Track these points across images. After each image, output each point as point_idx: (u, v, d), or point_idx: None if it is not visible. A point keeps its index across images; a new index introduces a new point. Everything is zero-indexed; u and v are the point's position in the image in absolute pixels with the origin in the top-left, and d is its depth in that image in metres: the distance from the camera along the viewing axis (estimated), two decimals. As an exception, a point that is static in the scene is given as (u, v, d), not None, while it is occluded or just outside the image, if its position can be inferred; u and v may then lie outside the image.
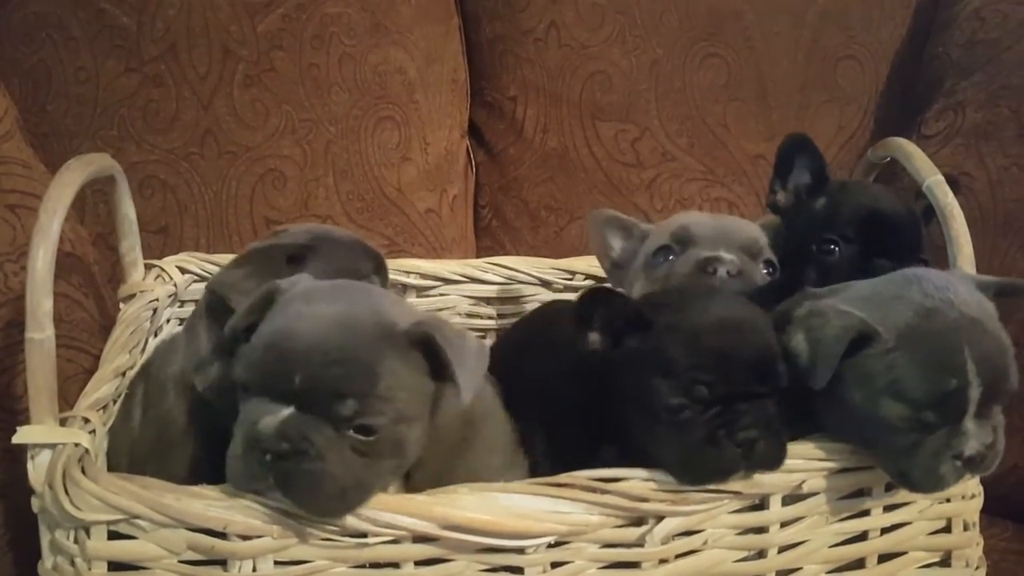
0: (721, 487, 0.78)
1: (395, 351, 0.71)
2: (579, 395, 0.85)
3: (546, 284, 1.19)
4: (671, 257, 0.96)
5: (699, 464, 0.77)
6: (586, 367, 0.83)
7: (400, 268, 1.14)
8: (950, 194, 0.90)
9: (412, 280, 1.15)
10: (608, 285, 1.04)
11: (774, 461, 0.78)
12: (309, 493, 0.69)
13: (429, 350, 0.72)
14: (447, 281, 1.17)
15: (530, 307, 1.18)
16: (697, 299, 0.83)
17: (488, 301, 1.20)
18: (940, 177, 0.91)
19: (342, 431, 0.69)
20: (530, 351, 0.99)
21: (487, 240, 1.50)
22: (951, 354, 0.76)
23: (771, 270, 0.96)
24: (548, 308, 1.14)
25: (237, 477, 0.70)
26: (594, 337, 0.80)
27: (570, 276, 1.20)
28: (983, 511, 0.91)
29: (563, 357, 0.87)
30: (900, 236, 0.92)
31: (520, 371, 0.94)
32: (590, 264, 1.18)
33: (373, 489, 0.72)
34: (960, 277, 0.83)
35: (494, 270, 1.18)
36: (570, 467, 0.78)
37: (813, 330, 0.79)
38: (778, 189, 1.01)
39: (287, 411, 0.68)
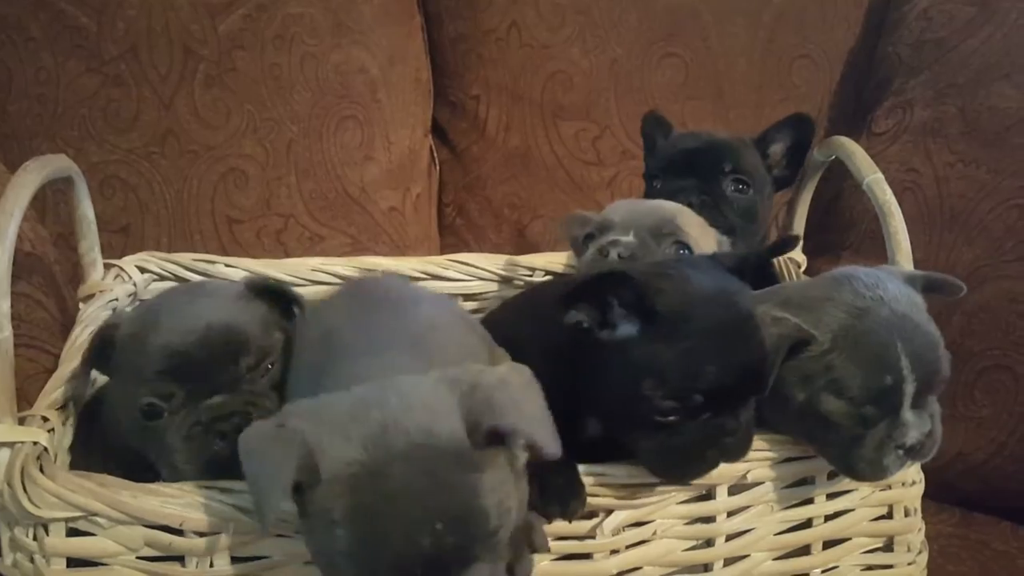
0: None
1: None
2: (563, 369, 0.80)
3: (507, 280, 1.19)
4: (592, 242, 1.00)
5: (679, 466, 0.78)
6: (571, 343, 0.79)
7: (361, 266, 1.13)
8: (889, 192, 0.93)
9: (374, 278, 1.14)
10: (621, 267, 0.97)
11: (742, 453, 0.80)
12: None
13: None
14: (408, 279, 1.15)
15: (492, 304, 1.18)
16: (698, 289, 0.76)
17: (450, 298, 1.20)
18: (879, 175, 0.94)
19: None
20: (517, 326, 0.96)
21: (451, 238, 1.51)
22: (885, 352, 0.79)
23: (684, 251, 0.96)
24: (537, 287, 1.14)
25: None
26: (578, 314, 0.76)
27: (530, 272, 1.20)
28: (931, 498, 0.94)
29: (550, 332, 0.82)
30: (693, 165, 1.09)
31: (507, 346, 0.91)
32: (549, 260, 1.19)
33: None
34: (889, 273, 0.86)
35: (455, 267, 1.17)
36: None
37: None
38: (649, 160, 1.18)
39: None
